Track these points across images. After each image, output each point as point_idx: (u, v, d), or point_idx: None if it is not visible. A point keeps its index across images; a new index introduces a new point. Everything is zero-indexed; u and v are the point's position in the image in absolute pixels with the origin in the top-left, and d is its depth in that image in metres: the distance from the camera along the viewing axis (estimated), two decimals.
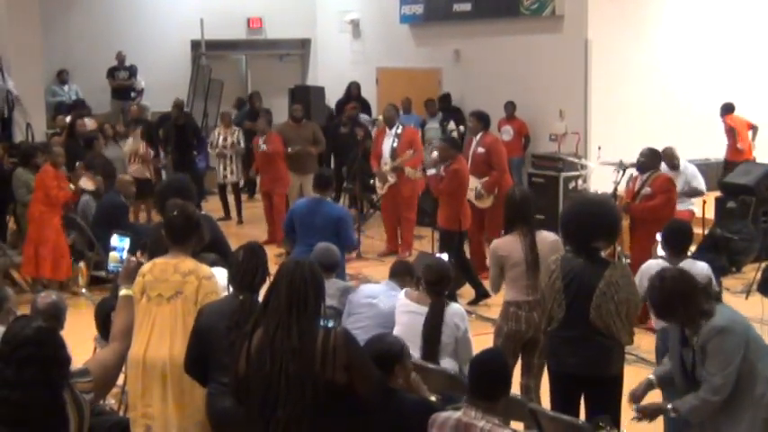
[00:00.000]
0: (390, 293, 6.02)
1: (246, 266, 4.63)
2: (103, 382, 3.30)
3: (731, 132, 13.22)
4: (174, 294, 4.78)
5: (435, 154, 9.75)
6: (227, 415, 4.40)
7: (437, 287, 5.60)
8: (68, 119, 14.39)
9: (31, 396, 2.89)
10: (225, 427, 4.53)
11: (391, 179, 11.47)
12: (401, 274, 6.22)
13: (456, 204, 9.41)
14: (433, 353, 5.45)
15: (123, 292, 3.79)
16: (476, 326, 7.44)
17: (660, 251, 6.34)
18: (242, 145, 13.77)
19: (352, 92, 16.17)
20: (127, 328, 3.61)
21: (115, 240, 4.31)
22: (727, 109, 13.25)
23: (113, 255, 4.26)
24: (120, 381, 4.85)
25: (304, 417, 3.78)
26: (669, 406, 4.60)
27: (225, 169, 13.87)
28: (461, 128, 12.77)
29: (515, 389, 5.98)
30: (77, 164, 11.22)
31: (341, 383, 3.85)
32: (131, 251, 4.11)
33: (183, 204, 5.07)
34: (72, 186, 10.31)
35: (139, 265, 3.91)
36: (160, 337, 4.78)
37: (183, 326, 4.75)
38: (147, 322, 4.80)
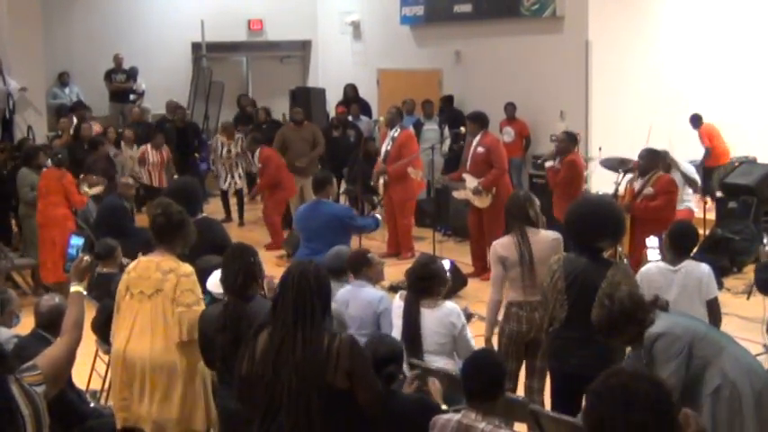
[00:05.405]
0: (357, 293, 6.01)
1: (229, 269, 4.66)
2: (53, 374, 3.35)
3: (710, 140, 13.18)
4: (155, 292, 4.88)
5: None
6: (234, 416, 4.46)
7: (413, 285, 5.58)
8: (74, 120, 14.40)
9: None
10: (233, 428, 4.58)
11: (381, 180, 11.48)
12: (358, 269, 6.18)
13: (573, 196, 9.10)
14: (415, 350, 5.41)
15: (74, 288, 3.84)
16: (479, 327, 7.43)
17: (651, 256, 6.34)
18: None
19: (349, 94, 16.17)
20: (76, 323, 3.67)
21: (72, 240, 4.40)
22: (700, 120, 13.19)
23: (70, 254, 4.31)
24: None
25: (308, 424, 3.80)
26: None
27: (232, 177, 13.85)
28: (462, 128, 12.76)
29: (521, 390, 6.00)
30: (80, 177, 11.25)
31: (341, 388, 3.86)
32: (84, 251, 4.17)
33: (166, 204, 5.16)
34: (88, 190, 10.38)
35: (90, 264, 3.99)
36: (140, 334, 4.89)
37: (164, 323, 4.85)
38: (129, 318, 4.92)
